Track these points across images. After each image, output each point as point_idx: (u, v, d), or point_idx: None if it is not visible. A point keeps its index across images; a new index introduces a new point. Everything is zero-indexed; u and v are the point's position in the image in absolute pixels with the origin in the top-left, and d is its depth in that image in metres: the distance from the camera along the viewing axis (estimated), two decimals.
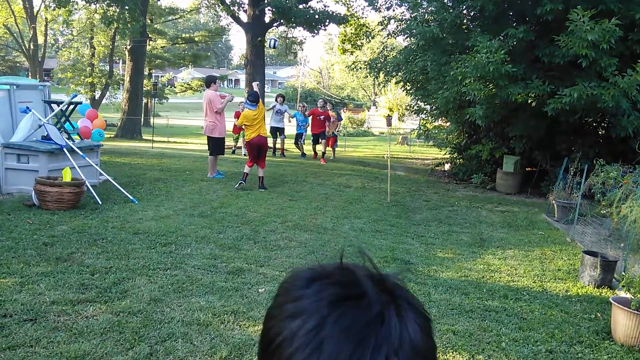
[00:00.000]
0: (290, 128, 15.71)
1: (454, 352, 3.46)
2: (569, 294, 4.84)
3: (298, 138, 14.98)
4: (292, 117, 14.88)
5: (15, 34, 30.35)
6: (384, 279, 0.54)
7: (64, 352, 3.05)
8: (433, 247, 6.16)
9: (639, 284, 3.85)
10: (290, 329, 0.51)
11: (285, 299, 0.55)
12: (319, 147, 14.29)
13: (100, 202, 6.84)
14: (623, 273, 4.65)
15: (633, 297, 3.87)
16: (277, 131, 14.34)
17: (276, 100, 14.36)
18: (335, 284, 0.53)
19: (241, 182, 8.81)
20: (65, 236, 5.31)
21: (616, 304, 3.86)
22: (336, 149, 15.41)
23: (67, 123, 8.36)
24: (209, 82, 9.99)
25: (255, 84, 10.15)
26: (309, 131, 14.80)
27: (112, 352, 3.10)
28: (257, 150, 8.86)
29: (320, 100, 15.30)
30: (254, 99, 8.91)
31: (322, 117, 14.06)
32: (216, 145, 9.77)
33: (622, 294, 4.28)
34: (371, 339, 0.49)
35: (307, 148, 15.00)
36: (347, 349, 0.49)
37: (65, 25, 35.15)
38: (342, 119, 16.32)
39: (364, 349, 0.48)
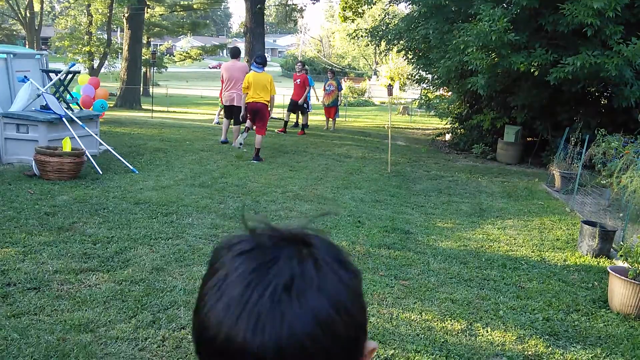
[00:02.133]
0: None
1: (452, 320, 3.51)
2: (567, 263, 4.88)
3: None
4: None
5: (11, 2, 29.85)
6: (284, 231, 0.57)
7: (67, 319, 3.09)
8: (433, 217, 6.19)
9: (636, 253, 3.89)
10: (205, 288, 0.56)
11: (207, 268, 0.59)
12: (293, 117, 13.46)
13: (100, 172, 6.85)
14: (621, 243, 4.69)
15: (630, 267, 3.91)
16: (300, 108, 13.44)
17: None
18: (239, 243, 0.57)
19: (244, 132, 9.13)
20: (66, 206, 5.33)
21: (613, 273, 3.90)
22: (337, 119, 15.06)
23: (67, 93, 8.30)
24: (238, 53, 10.30)
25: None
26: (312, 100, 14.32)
27: (115, 320, 3.15)
28: (253, 114, 8.72)
29: (298, 64, 14.12)
30: (261, 61, 8.78)
31: (297, 81, 13.08)
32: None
33: (620, 263, 4.32)
34: (262, 280, 0.52)
35: (312, 118, 14.84)
36: (237, 290, 0.52)
37: None
38: (342, 89, 15.77)
39: (253, 289, 0.52)
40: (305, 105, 13.29)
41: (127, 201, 5.68)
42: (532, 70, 9.31)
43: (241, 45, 19.19)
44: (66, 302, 3.32)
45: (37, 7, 29.66)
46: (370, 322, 3.38)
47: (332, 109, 14.22)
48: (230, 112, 10.09)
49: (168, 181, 6.82)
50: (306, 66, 14.34)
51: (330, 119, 14.48)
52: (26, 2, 28.75)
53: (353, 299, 0.55)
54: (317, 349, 0.50)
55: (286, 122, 13.29)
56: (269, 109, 9.02)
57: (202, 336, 0.54)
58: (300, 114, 13.80)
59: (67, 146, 6.58)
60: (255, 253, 0.54)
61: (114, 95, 23.50)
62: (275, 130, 12.60)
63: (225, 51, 39.63)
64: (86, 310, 3.23)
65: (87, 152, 6.86)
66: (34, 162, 6.42)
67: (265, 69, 8.92)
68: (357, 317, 0.55)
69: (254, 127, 8.84)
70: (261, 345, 0.50)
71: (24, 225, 4.67)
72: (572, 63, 8.42)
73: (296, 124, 14.09)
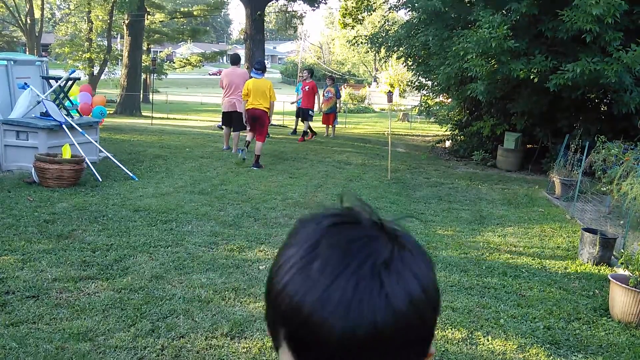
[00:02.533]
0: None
1: (453, 329, 3.49)
2: (567, 271, 4.87)
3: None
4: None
5: (11, 8, 29.95)
6: (381, 218, 0.58)
7: (66, 328, 3.08)
8: (433, 224, 6.18)
9: (637, 261, 3.87)
10: (286, 255, 0.55)
11: (287, 239, 0.58)
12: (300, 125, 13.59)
13: (100, 179, 6.84)
14: (622, 250, 4.67)
15: (631, 274, 3.89)
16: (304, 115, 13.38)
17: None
18: (335, 215, 0.57)
19: (243, 149, 8.85)
20: (65, 213, 5.31)
21: (614, 281, 3.89)
22: (336, 126, 15.03)
23: (67, 100, 8.31)
24: (238, 60, 10.34)
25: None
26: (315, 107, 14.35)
27: (114, 328, 3.13)
28: (252, 120, 8.70)
29: (304, 71, 14.26)
30: (261, 67, 8.77)
31: (306, 88, 13.17)
32: (242, 121, 9.72)
33: (621, 271, 4.31)
34: (361, 251, 0.52)
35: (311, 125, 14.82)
36: (336, 256, 0.52)
37: None
38: (340, 96, 15.65)
39: (353, 257, 0.51)
40: (310, 112, 13.37)
41: (126, 208, 5.67)
42: (531, 77, 9.32)
43: (241, 51, 19.23)
44: (65, 310, 3.30)
45: (37, 14, 29.74)
46: None
47: (330, 116, 14.16)
48: (230, 118, 10.09)
49: (168, 188, 6.81)
50: (328, 79, 14.51)
51: (329, 126, 14.44)
52: (27, 9, 28.83)
53: (436, 295, 0.56)
54: (407, 324, 0.51)
55: (305, 131, 13.28)
56: (269, 115, 9.01)
57: (286, 302, 0.52)
58: (301, 121, 13.77)
59: (66, 153, 6.58)
60: (355, 227, 0.55)
61: (114, 102, 23.54)
62: (297, 141, 12.72)
63: (225, 58, 39.76)
64: (85, 318, 3.22)
65: (86, 159, 6.86)
66: (33, 169, 6.41)
67: (265, 75, 8.93)
68: (436, 312, 0.56)
69: (255, 137, 8.80)
70: (357, 316, 0.49)
71: (23, 233, 4.65)
72: (572, 70, 8.43)
73: (294, 132, 14.10)
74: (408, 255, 0.54)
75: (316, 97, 13.35)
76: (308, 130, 13.23)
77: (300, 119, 13.61)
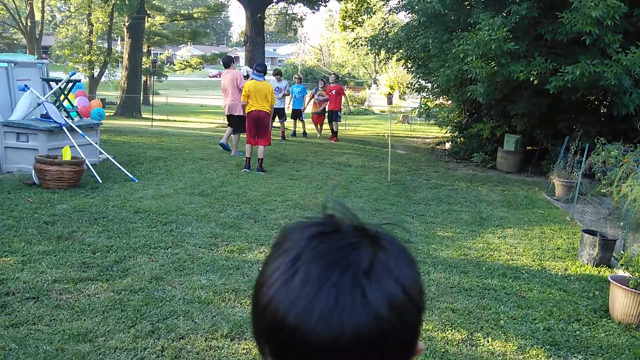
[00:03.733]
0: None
1: (453, 330, 3.49)
2: (567, 272, 4.87)
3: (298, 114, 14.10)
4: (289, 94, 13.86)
5: (12, 11, 29.99)
6: (363, 223, 0.59)
7: (66, 329, 3.08)
8: (433, 225, 6.18)
9: (637, 262, 3.87)
10: (269, 269, 0.56)
11: (270, 252, 0.59)
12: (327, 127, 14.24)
13: (100, 181, 6.84)
14: (622, 252, 4.68)
15: (631, 276, 3.89)
16: (277, 113, 13.32)
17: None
18: (316, 225, 0.58)
19: (245, 170, 8.45)
20: (66, 215, 5.32)
21: (614, 282, 3.89)
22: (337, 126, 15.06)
23: (67, 102, 8.31)
24: (229, 62, 10.23)
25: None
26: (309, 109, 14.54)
27: (114, 329, 3.13)
28: (255, 123, 8.41)
29: (332, 76, 14.90)
30: (262, 69, 8.60)
31: (333, 92, 13.68)
32: (240, 123, 9.74)
33: (621, 272, 4.31)
34: (342, 261, 0.53)
35: (309, 127, 14.88)
36: (317, 268, 0.53)
37: (62, 1, 34.76)
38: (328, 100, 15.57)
39: (334, 268, 0.53)
40: (339, 114, 13.92)
41: (126, 210, 5.67)
42: (531, 79, 9.33)
43: (241, 54, 19.25)
44: (65, 311, 3.30)
45: (38, 16, 29.78)
46: None
47: (321, 117, 14.36)
48: (229, 121, 10.17)
49: (168, 190, 6.81)
50: (339, 78, 15.05)
51: (319, 126, 14.59)
52: (27, 12, 28.87)
53: (419, 295, 0.58)
54: (390, 328, 0.53)
55: (333, 131, 13.89)
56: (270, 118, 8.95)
57: (270, 317, 0.53)
58: (331, 122, 13.99)
59: (67, 155, 6.59)
60: (335, 236, 0.56)
61: (114, 104, 23.56)
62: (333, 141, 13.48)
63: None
64: (85, 319, 3.22)
65: (86, 160, 6.86)
66: (33, 170, 6.42)
67: (265, 77, 8.88)
68: (420, 311, 0.58)
69: (257, 142, 8.51)
70: (339, 323, 0.51)
71: (23, 234, 4.65)
72: (572, 72, 8.44)
73: (293, 134, 14.20)
74: (390, 259, 0.56)
75: (343, 98, 14.02)
76: (334, 131, 13.90)
77: (329, 120, 14.01)
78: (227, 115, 10.20)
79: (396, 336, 0.54)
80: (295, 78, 15.21)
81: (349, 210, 0.59)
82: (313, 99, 14.28)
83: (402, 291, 0.54)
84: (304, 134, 14.43)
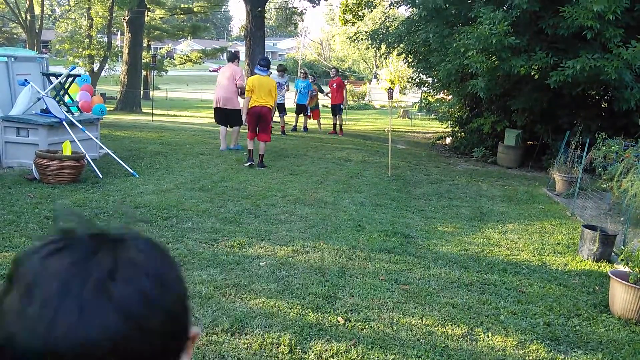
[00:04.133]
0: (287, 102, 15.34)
1: (453, 325, 3.50)
2: (568, 267, 4.87)
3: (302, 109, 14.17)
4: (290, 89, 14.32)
5: (11, 5, 29.90)
6: (101, 229, 0.56)
7: None
8: (433, 221, 6.18)
9: (637, 258, 3.88)
10: (5, 304, 0.51)
11: (4, 284, 0.54)
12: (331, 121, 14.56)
13: (100, 176, 6.84)
14: (622, 247, 4.68)
15: (631, 271, 3.90)
16: (277, 108, 13.53)
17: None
18: (49, 243, 0.54)
19: (250, 163, 8.32)
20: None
21: (615, 277, 3.89)
22: (322, 121, 15.21)
23: (67, 96, 8.30)
24: (233, 58, 10.22)
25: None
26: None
27: None
28: (257, 118, 8.31)
29: (332, 70, 15.42)
30: (266, 64, 8.48)
31: (334, 85, 14.10)
32: (238, 117, 9.70)
33: (621, 267, 4.31)
34: (81, 272, 0.51)
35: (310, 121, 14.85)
36: (54, 287, 0.50)
37: None
38: (320, 92, 15.58)
39: (73, 282, 0.50)
40: (341, 106, 14.29)
41: (127, 205, 5.68)
42: (532, 73, 9.31)
43: (241, 48, 19.22)
44: None
45: (37, 11, 29.69)
46: (371, 327, 3.37)
47: (315, 112, 14.60)
48: (222, 116, 9.98)
49: (168, 185, 6.81)
50: (340, 71, 15.55)
51: (318, 120, 14.89)
52: (27, 6, 28.78)
53: (178, 284, 0.57)
54: (149, 325, 0.51)
55: (335, 125, 14.28)
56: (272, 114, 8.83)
57: (20, 354, 0.49)
58: (303, 116, 14.19)
59: (67, 150, 6.58)
60: (72, 249, 0.53)
61: (114, 98, 23.53)
62: (338, 135, 13.90)
63: (225, 54, 39.73)
64: None
65: (87, 155, 6.86)
66: (34, 165, 6.41)
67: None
68: (184, 300, 0.57)
69: (258, 137, 8.45)
70: (87, 335, 0.48)
71: (24, 229, 4.66)
72: (572, 66, 8.42)
73: (294, 128, 14.21)
74: (138, 256, 0.54)
75: (344, 92, 14.37)
76: (337, 124, 14.29)
77: (332, 114, 14.36)
78: (215, 108, 10.04)
79: (160, 330, 0.52)
80: (300, 72, 15.26)
81: (83, 218, 0.57)
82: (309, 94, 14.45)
83: (156, 284, 0.53)
84: (305, 128, 14.41)
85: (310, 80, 14.29)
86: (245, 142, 9.12)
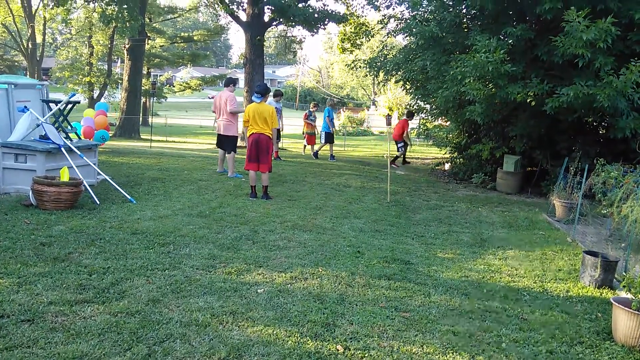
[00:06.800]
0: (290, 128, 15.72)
1: (454, 353, 3.43)
2: (569, 294, 4.82)
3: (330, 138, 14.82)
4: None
5: (13, 33, 30.27)
6: None
7: (61, 352, 3.02)
8: (433, 247, 6.13)
9: (639, 284, 3.83)
10: None
11: None
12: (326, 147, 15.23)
13: (98, 202, 6.81)
14: (624, 273, 4.64)
15: (634, 298, 3.85)
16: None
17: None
18: None
19: (252, 198, 8.07)
20: (62, 236, 5.27)
21: (617, 304, 3.84)
22: (324, 147, 15.41)
23: (67, 123, 8.33)
24: (229, 83, 10.31)
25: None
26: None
27: (110, 352, 3.07)
28: (256, 147, 8.04)
29: (329, 100, 16.49)
30: (261, 90, 8.27)
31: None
32: (232, 144, 9.74)
33: (623, 294, 4.26)
34: None
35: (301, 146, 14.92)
36: None
37: (63, 24, 35.10)
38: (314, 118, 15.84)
39: None
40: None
41: (124, 231, 5.63)
42: (528, 100, 9.39)
43: (241, 75, 19.40)
44: (60, 334, 3.24)
45: (39, 39, 30.04)
46: (371, 355, 3.30)
47: (312, 137, 15.12)
48: (220, 141, 10.17)
49: (166, 211, 6.78)
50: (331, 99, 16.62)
51: (312, 146, 15.30)
52: (29, 34, 29.12)
53: None
54: None
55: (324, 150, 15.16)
56: (273, 142, 8.41)
57: None
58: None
59: (64, 176, 6.56)
60: None
61: (113, 125, 23.59)
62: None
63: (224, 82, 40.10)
64: (80, 342, 3.16)
65: (84, 181, 6.84)
66: (31, 191, 6.39)
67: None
68: None
69: (259, 168, 8.15)
70: None
71: (19, 256, 4.61)
72: (566, 93, 8.48)
73: (316, 154, 14.94)
74: None
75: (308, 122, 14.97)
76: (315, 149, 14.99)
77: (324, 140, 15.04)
78: (218, 134, 10.25)
79: None
80: (312, 105, 15.73)
81: None
82: (305, 119, 15.09)
83: None
84: (315, 154, 14.88)
85: (312, 108, 15.04)
86: (242, 168, 9.10)
